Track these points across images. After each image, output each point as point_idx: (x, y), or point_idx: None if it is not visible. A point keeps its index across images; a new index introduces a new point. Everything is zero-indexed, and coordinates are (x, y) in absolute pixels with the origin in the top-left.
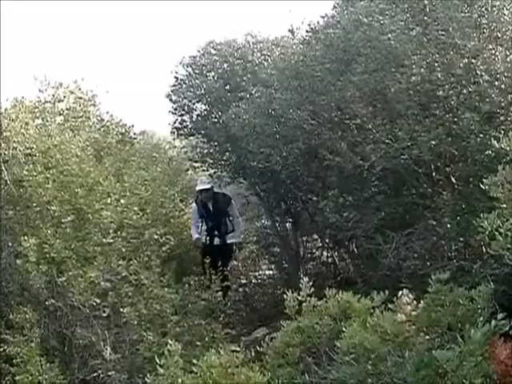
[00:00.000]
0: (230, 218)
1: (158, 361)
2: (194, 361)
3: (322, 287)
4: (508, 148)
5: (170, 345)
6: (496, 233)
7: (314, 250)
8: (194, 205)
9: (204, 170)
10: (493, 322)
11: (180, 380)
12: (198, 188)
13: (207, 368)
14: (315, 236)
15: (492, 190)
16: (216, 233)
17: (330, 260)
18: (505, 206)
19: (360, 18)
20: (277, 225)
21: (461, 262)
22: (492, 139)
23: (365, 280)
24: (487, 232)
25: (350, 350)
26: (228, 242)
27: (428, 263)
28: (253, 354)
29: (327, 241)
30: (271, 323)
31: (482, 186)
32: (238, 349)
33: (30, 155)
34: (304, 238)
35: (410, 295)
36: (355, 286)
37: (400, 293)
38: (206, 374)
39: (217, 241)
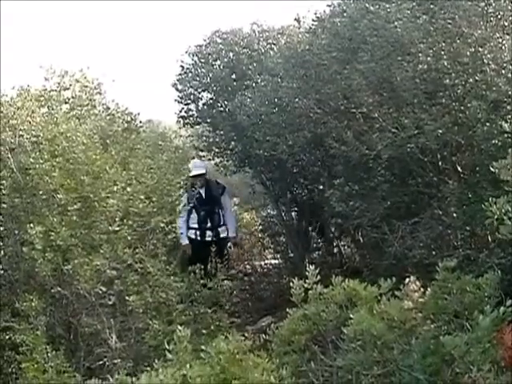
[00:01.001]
0: (222, 210)
1: (166, 346)
2: (203, 347)
3: (328, 276)
4: None
5: (179, 330)
6: (505, 217)
7: (320, 240)
8: (184, 193)
9: (210, 159)
10: (501, 309)
11: (188, 366)
12: (192, 173)
13: (216, 354)
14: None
15: (502, 173)
16: (208, 225)
17: (335, 249)
18: None
19: (366, 7)
20: (282, 214)
21: (467, 251)
22: (499, 126)
23: (371, 269)
24: (495, 217)
25: (356, 337)
26: (221, 236)
27: (434, 252)
28: (259, 341)
29: (333, 230)
30: (276, 312)
31: (489, 172)
32: (245, 335)
33: (37, 143)
34: (310, 227)
35: (418, 282)
36: (361, 275)
37: (407, 280)
38: (214, 359)
39: (209, 234)
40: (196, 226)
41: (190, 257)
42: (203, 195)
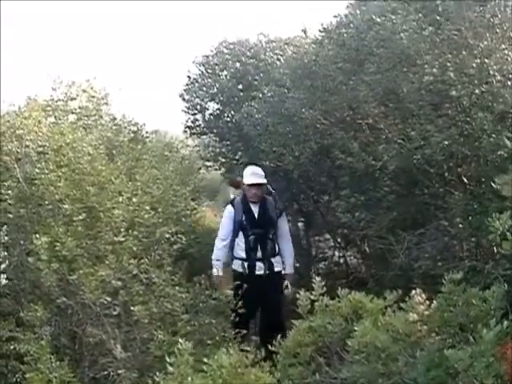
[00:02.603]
0: (276, 237)
1: (168, 359)
2: (205, 360)
3: (334, 287)
4: None
5: (181, 343)
6: (508, 233)
7: (326, 250)
8: (228, 207)
9: (216, 169)
10: (505, 323)
11: (190, 379)
12: (250, 181)
13: (217, 367)
14: (327, 236)
15: (504, 189)
16: (259, 255)
17: (341, 260)
18: None
19: (373, 18)
20: (289, 224)
21: (473, 263)
22: (505, 139)
23: (376, 280)
24: (499, 232)
25: (361, 349)
26: (275, 269)
27: (439, 263)
28: (263, 353)
29: (339, 240)
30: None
31: (493, 185)
32: (248, 348)
33: (43, 153)
34: (316, 237)
35: (423, 295)
36: (366, 286)
37: (413, 292)
38: (216, 373)
39: (260, 267)
40: (243, 255)
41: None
42: (256, 214)
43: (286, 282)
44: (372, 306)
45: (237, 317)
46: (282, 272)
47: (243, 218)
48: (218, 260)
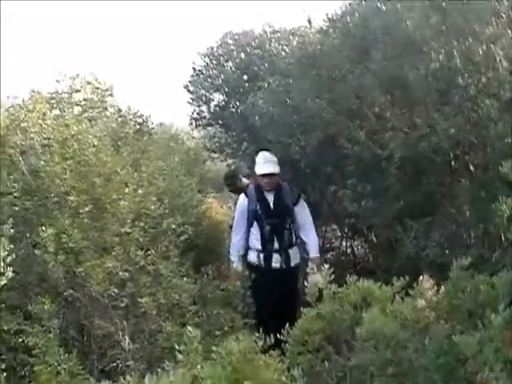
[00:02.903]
0: (293, 225)
1: (177, 347)
2: (214, 348)
3: (342, 276)
4: None
5: (190, 332)
6: None
7: (333, 240)
8: (241, 197)
9: (222, 161)
10: None
11: (199, 367)
12: (261, 171)
13: (226, 354)
14: (334, 226)
15: (510, 174)
16: (276, 246)
17: (349, 250)
18: None
19: (378, 6)
20: None
21: (480, 250)
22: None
23: (384, 269)
24: (505, 216)
25: (369, 336)
26: (292, 264)
27: (447, 251)
28: (272, 341)
29: (346, 230)
30: None
31: (500, 171)
32: (257, 335)
33: (48, 146)
34: (323, 227)
35: (431, 280)
36: (374, 275)
37: (421, 278)
38: (225, 360)
39: (276, 259)
40: (259, 246)
41: (255, 294)
42: (271, 204)
43: (310, 267)
44: (380, 293)
45: (256, 318)
46: (308, 257)
47: (257, 208)
48: (235, 258)
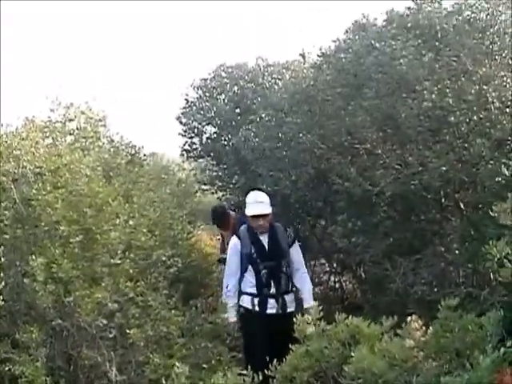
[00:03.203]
0: (288, 268)
1: (164, 382)
2: (201, 383)
3: (329, 312)
4: None
5: (177, 367)
6: (505, 260)
7: (322, 275)
8: (233, 240)
9: (213, 193)
10: (502, 350)
11: None
12: (252, 212)
13: None
14: (323, 260)
15: (501, 217)
16: (272, 290)
17: (337, 285)
18: None
19: (372, 43)
20: None
21: (469, 289)
22: (502, 166)
23: (372, 305)
24: (496, 259)
25: (357, 374)
26: (288, 310)
27: (436, 289)
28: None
29: (335, 265)
30: None
31: (491, 212)
32: (244, 372)
33: (40, 174)
34: (312, 262)
35: (420, 321)
36: (362, 311)
37: (409, 318)
38: None
39: (272, 305)
40: (253, 290)
41: (246, 343)
42: (266, 246)
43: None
44: (369, 331)
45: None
46: (303, 306)
47: (252, 251)
48: (231, 308)
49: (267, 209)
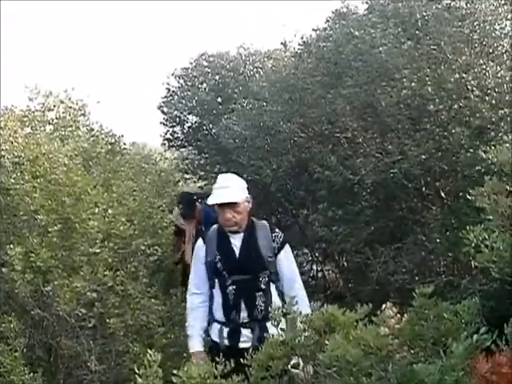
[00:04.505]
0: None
1: (137, 371)
2: (174, 371)
3: (311, 301)
4: (496, 159)
5: (150, 355)
6: (482, 245)
7: (305, 264)
8: (198, 243)
9: (195, 182)
10: (475, 337)
11: None
12: (211, 200)
13: (187, 379)
14: (305, 250)
15: (478, 200)
16: (244, 315)
17: (319, 274)
18: (491, 217)
19: (352, 32)
20: None
21: (449, 277)
22: (483, 152)
23: (353, 294)
24: (473, 245)
25: (332, 362)
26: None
27: (416, 278)
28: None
29: (317, 254)
30: None
31: (469, 198)
32: (218, 359)
33: (18, 164)
34: (294, 251)
35: (394, 308)
36: (344, 300)
37: (383, 306)
38: None
39: (246, 337)
40: (222, 315)
41: None
42: (236, 251)
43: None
44: (344, 319)
45: None
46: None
47: (217, 259)
48: (194, 336)
49: (236, 195)
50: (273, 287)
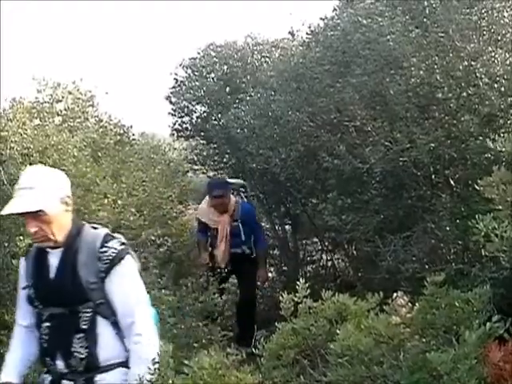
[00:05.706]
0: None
1: None
2: (186, 362)
3: (321, 290)
4: (504, 149)
5: (161, 345)
6: (492, 234)
7: (314, 253)
8: (21, 260)
9: (203, 173)
10: (488, 325)
11: (171, 381)
12: (4, 210)
13: (198, 369)
14: (315, 239)
15: (487, 190)
16: (61, 367)
17: (329, 263)
18: (500, 207)
19: (359, 20)
20: (276, 227)
21: (459, 266)
22: (491, 142)
23: (364, 283)
24: (482, 234)
25: (343, 352)
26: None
27: (426, 266)
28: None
29: (326, 244)
30: (270, 326)
31: (477, 187)
32: (230, 350)
33: (27, 155)
34: (303, 240)
35: (405, 297)
36: (354, 289)
37: (395, 295)
38: (197, 375)
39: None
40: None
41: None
42: (51, 274)
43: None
44: (356, 308)
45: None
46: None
47: (30, 283)
48: (8, 357)
49: (37, 202)
50: (105, 326)
